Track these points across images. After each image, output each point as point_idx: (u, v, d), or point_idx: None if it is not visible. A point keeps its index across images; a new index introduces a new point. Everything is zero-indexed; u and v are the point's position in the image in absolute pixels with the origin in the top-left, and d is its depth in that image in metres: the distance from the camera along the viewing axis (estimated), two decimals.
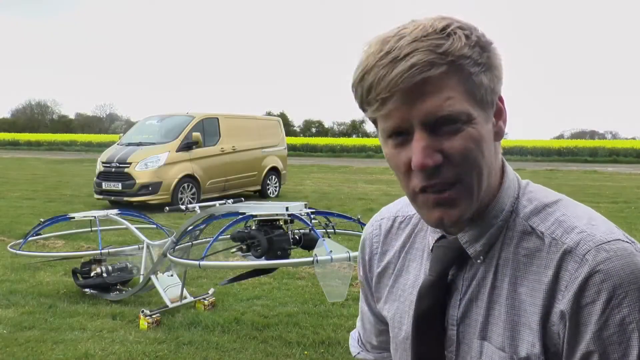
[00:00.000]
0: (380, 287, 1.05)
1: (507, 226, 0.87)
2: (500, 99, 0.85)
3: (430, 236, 0.96)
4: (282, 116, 41.33)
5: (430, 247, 0.95)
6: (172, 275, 4.65)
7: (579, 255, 0.79)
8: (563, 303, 0.79)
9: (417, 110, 0.77)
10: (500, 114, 0.85)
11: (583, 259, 0.78)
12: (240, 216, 3.67)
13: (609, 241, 0.79)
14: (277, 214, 3.61)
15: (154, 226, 5.35)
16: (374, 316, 1.12)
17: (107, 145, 19.12)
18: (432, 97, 0.76)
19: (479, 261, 0.88)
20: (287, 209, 3.61)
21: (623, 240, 0.80)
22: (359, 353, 1.18)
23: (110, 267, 4.97)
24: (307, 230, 3.68)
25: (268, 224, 3.62)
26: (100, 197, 11.30)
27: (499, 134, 0.85)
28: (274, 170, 13.61)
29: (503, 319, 0.85)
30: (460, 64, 0.76)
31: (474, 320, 0.88)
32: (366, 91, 0.79)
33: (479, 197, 0.83)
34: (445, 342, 0.91)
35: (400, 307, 1.00)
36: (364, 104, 0.82)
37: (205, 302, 4.68)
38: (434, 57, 0.74)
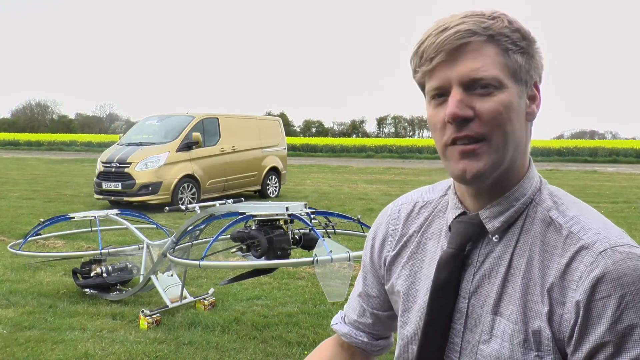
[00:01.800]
0: (394, 266, 1.11)
1: (528, 212, 0.94)
2: (537, 88, 0.95)
3: (450, 213, 1.02)
4: (282, 116, 41.35)
5: (449, 226, 1.02)
6: (172, 275, 4.65)
7: (595, 252, 0.86)
8: (578, 293, 0.85)
9: (456, 70, 0.88)
10: (534, 98, 0.95)
11: (599, 256, 0.86)
12: (240, 216, 3.67)
13: (622, 245, 0.87)
14: (277, 214, 3.61)
15: (154, 226, 5.35)
16: (366, 296, 1.19)
17: (107, 145, 19.15)
18: (470, 60, 0.88)
19: (495, 238, 0.95)
20: (287, 209, 3.61)
21: (633, 246, 0.87)
22: (336, 324, 1.25)
23: (110, 267, 4.97)
24: (307, 230, 3.67)
25: (268, 224, 3.62)
26: (100, 197, 11.30)
27: (530, 115, 0.94)
28: (274, 170, 13.61)
29: (517, 297, 0.91)
30: (498, 39, 0.89)
31: (485, 295, 0.95)
32: (419, 56, 0.92)
33: (503, 160, 0.91)
34: (455, 313, 0.97)
35: (415, 282, 1.05)
36: (417, 68, 0.94)
37: (205, 302, 4.68)
38: (476, 28, 0.88)
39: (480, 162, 0.89)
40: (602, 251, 0.86)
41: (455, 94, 0.88)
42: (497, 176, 0.93)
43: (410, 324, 1.05)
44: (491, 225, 0.95)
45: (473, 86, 0.88)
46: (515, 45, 0.89)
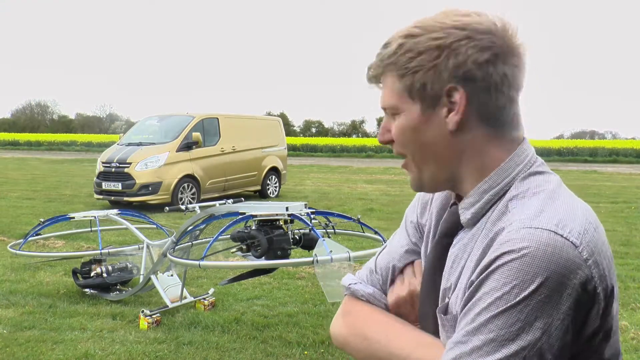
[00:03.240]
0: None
1: (495, 203, 0.94)
2: (457, 92, 0.91)
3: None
4: (282, 116, 41.32)
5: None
6: (172, 275, 4.65)
7: (505, 232, 0.85)
8: (477, 272, 0.86)
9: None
10: (453, 106, 0.92)
11: (505, 237, 0.84)
12: (240, 216, 3.67)
13: (534, 227, 0.82)
14: (277, 214, 3.61)
15: (154, 226, 5.35)
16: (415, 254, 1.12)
17: (107, 145, 19.13)
18: (382, 90, 0.99)
19: (467, 229, 0.96)
20: (287, 209, 3.61)
21: (556, 233, 0.82)
22: (356, 283, 1.12)
23: (110, 267, 4.98)
24: (307, 230, 3.68)
25: (268, 224, 3.62)
26: (100, 197, 11.30)
27: (450, 125, 0.93)
28: (274, 170, 13.61)
29: (459, 287, 0.93)
30: (389, 69, 0.96)
31: (447, 282, 0.97)
32: None
33: (432, 171, 0.97)
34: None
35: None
36: None
37: (205, 302, 4.68)
38: (376, 63, 0.98)
39: (411, 174, 1.01)
40: (511, 231, 0.84)
41: (383, 119, 1.01)
42: (450, 181, 0.98)
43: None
44: (464, 217, 0.96)
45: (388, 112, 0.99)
46: (405, 68, 0.93)
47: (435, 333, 0.99)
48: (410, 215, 1.15)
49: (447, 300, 0.95)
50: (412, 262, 1.10)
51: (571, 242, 0.82)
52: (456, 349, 0.84)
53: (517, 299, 0.79)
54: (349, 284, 1.14)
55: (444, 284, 0.97)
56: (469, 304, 0.85)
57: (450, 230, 1.00)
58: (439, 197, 1.10)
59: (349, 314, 1.11)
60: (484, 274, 0.84)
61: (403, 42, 0.94)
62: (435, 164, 0.97)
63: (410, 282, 1.07)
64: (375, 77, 0.99)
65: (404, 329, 1.01)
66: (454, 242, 0.98)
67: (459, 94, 0.91)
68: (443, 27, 0.91)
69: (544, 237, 0.81)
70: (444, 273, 0.98)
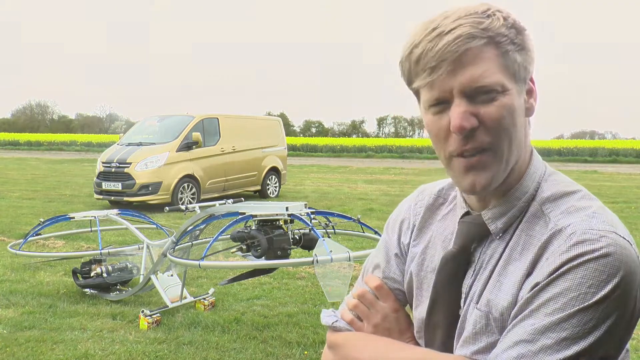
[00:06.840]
0: (411, 257, 1.09)
1: (528, 209, 0.93)
2: (532, 80, 0.92)
3: (458, 212, 1.02)
4: (282, 116, 41.30)
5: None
6: (172, 275, 4.65)
7: (566, 234, 0.84)
8: (540, 274, 0.84)
9: (458, 79, 0.85)
10: (531, 92, 0.93)
11: (569, 237, 0.84)
12: (240, 216, 3.67)
13: (599, 229, 0.83)
14: (277, 214, 3.61)
15: (154, 226, 5.35)
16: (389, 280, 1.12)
17: (107, 145, 19.15)
18: (472, 67, 0.85)
19: (498, 238, 0.94)
20: (287, 209, 3.61)
21: (618, 234, 0.84)
22: (337, 320, 1.10)
23: (110, 267, 4.97)
24: (307, 230, 3.68)
25: (268, 224, 3.62)
26: (100, 197, 11.30)
27: (530, 110, 0.93)
28: (274, 170, 13.61)
29: (491, 287, 0.92)
30: (497, 40, 0.85)
31: (475, 288, 0.95)
32: (414, 63, 0.88)
33: (509, 164, 0.90)
34: (460, 309, 0.98)
35: (426, 277, 1.04)
36: (411, 76, 0.90)
37: (205, 302, 4.68)
38: (475, 31, 0.84)
39: (487, 172, 0.89)
40: (572, 233, 0.84)
41: (459, 104, 0.86)
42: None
43: (420, 309, 1.04)
44: (494, 226, 0.94)
45: (476, 93, 0.86)
46: (513, 44, 0.86)
47: (446, 342, 0.98)
48: (393, 241, 1.12)
49: (475, 305, 0.93)
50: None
51: (630, 242, 0.85)
52: (519, 347, 0.83)
53: (594, 298, 0.80)
54: (332, 323, 1.09)
55: (474, 290, 0.95)
56: (533, 305, 0.84)
57: (469, 242, 0.97)
58: (442, 206, 1.08)
59: (337, 345, 1.06)
60: (554, 275, 0.83)
61: (505, 14, 0.86)
62: (515, 155, 0.91)
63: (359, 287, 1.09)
64: (467, 51, 0.84)
65: (398, 346, 1.01)
66: (482, 251, 0.96)
67: (532, 81, 0.92)
68: (508, 12, 0.88)
69: (612, 239, 0.83)
70: (467, 280, 0.97)
